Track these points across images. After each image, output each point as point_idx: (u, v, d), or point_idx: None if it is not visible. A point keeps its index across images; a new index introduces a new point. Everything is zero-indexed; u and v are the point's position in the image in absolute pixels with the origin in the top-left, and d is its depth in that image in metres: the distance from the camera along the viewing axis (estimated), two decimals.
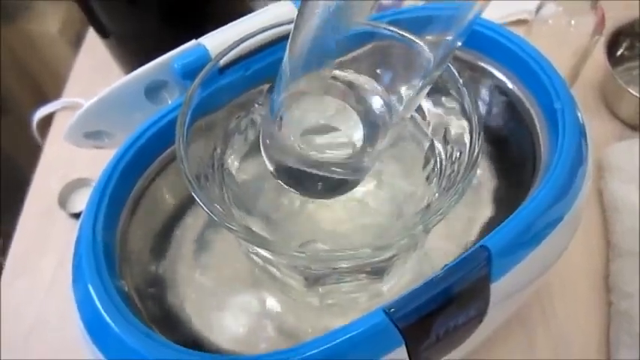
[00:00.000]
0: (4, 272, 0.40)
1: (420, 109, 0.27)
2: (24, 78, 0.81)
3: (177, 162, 0.21)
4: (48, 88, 0.79)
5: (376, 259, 0.23)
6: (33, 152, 0.50)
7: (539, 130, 0.27)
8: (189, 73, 0.25)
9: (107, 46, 0.48)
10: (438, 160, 0.26)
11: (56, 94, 0.53)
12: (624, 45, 0.45)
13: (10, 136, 0.74)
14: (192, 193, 0.21)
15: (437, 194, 0.25)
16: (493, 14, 0.50)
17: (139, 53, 0.48)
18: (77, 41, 0.70)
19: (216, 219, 0.20)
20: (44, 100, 0.51)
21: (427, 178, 0.26)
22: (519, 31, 0.40)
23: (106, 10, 0.43)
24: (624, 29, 0.44)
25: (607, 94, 0.44)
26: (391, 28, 0.22)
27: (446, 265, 0.21)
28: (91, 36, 0.50)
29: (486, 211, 0.29)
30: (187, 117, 0.22)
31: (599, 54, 0.42)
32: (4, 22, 0.73)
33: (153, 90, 0.27)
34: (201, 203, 0.20)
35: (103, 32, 0.46)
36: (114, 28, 0.45)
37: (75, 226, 0.43)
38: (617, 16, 0.45)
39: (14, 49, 0.77)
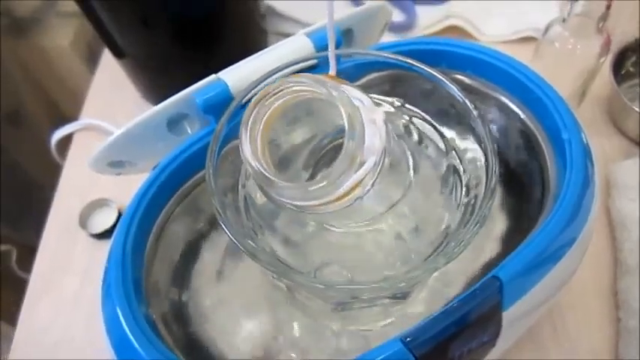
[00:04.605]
0: (29, 290, 0.41)
1: (438, 139, 0.27)
2: (37, 91, 0.82)
3: (209, 196, 0.22)
4: (61, 100, 0.81)
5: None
6: (49, 165, 0.50)
7: (547, 157, 0.28)
8: (210, 107, 0.26)
9: (122, 66, 0.49)
10: (456, 186, 0.27)
11: (70, 107, 0.53)
12: (631, 61, 0.45)
13: (25, 149, 0.76)
14: (223, 226, 0.22)
15: (456, 220, 0.25)
16: (502, 31, 0.52)
17: (154, 74, 0.49)
18: (89, 54, 0.71)
19: (245, 252, 0.21)
20: (57, 112, 0.50)
21: (444, 202, 0.27)
22: (527, 49, 0.41)
23: (121, 32, 0.44)
24: (631, 46, 0.45)
25: (614, 112, 0.45)
26: None
27: (459, 296, 0.21)
28: (107, 54, 0.51)
29: (500, 226, 0.30)
30: (215, 155, 0.23)
31: (605, 71, 0.42)
32: (16, 37, 0.74)
33: (174, 122, 0.28)
34: (230, 236, 0.21)
35: (117, 53, 0.47)
36: (129, 50, 0.46)
37: (96, 246, 0.44)
38: (625, 29, 0.45)
39: (27, 62, 0.78)
